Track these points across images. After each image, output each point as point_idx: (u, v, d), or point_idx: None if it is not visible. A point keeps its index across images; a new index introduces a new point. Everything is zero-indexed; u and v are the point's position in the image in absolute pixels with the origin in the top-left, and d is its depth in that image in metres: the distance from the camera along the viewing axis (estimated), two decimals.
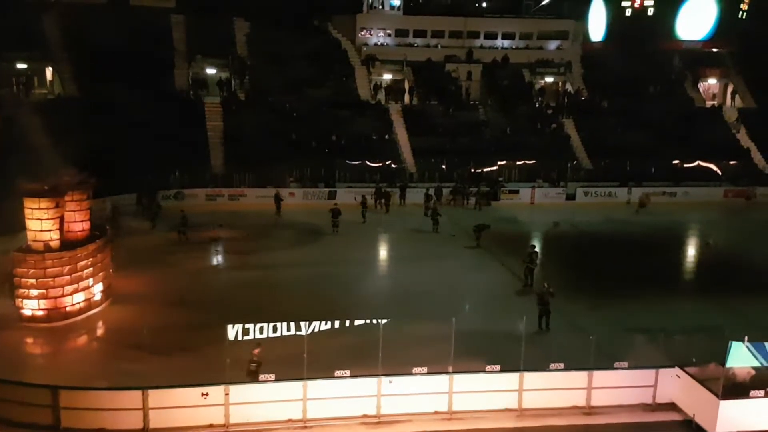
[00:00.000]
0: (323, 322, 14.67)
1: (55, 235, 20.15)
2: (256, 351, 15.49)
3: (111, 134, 33.53)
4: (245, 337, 14.26)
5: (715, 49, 52.94)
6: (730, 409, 14.31)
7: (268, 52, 45.45)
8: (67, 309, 20.17)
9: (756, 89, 50.01)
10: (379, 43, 50.71)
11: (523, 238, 31.02)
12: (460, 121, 44.81)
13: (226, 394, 14.59)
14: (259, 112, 41.48)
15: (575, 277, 25.80)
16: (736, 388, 14.52)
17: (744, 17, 52.76)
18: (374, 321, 15.06)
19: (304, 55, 45.59)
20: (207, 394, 14.54)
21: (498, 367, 15.49)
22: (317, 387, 14.85)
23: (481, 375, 15.42)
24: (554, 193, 40.45)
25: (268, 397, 14.77)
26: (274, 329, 14.37)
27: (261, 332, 14.29)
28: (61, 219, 20.41)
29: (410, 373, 15.24)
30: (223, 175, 38.05)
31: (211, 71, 45.02)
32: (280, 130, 40.31)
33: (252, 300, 21.77)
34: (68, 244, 20.52)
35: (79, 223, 21.31)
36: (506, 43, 52.33)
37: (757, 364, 14.52)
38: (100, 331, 20.09)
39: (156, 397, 14.46)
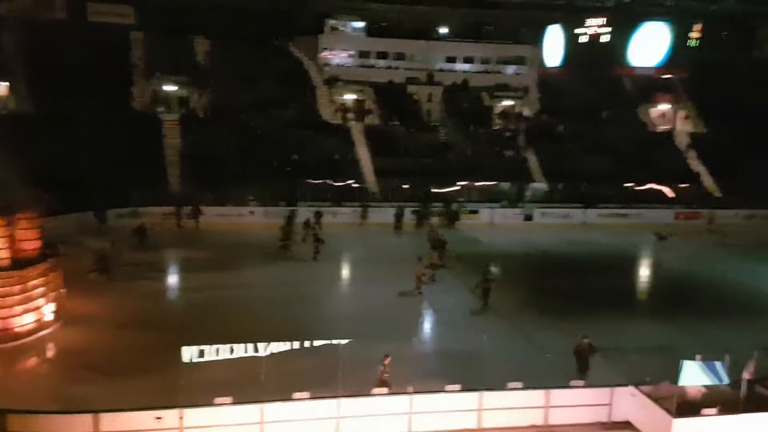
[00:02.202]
0: (282, 343, 14.47)
1: (5, 254, 19.53)
2: (387, 361, 15.77)
3: (67, 151, 32.79)
4: (201, 359, 13.96)
5: (667, 76, 54.86)
6: (683, 427, 14.58)
7: (228, 71, 45.25)
8: (17, 330, 19.49)
9: (706, 115, 51.93)
10: (341, 64, 51.02)
11: (483, 258, 31.26)
12: (421, 142, 45.29)
13: (180, 418, 14.24)
14: (219, 130, 41.14)
15: (533, 296, 26.16)
16: (688, 407, 14.85)
17: (694, 45, 54.88)
18: (335, 341, 14.95)
19: (266, 74, 45.53)
20: (161, 418, 14.17)
21: (458, 387, 15.54)
22: (275, 410, 14.62)
23: (442, 395, 15.43)
24: (513, 214, 41.08)
25: (224, 421, 14.47)
26: (231, 351, 14.08)
27: (217, 354, 14.00)
28: (12, 238, 19.81)
29: (370, 394, 15.14)
30: (181, 194, 37.52)
31: (170, 88, 44.58)
32: (240, 148, 40.05)
33: (209, 321, 21.37)
34: (19, 262, 19.88)
35: (30, 242, 20.67)
36: (466, 66, 53.27)
37: (708, 382, 14.89)
38: (51, 353, 19.41)
39: (108, 420, 14.04)
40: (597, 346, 17.32)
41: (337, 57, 51.41)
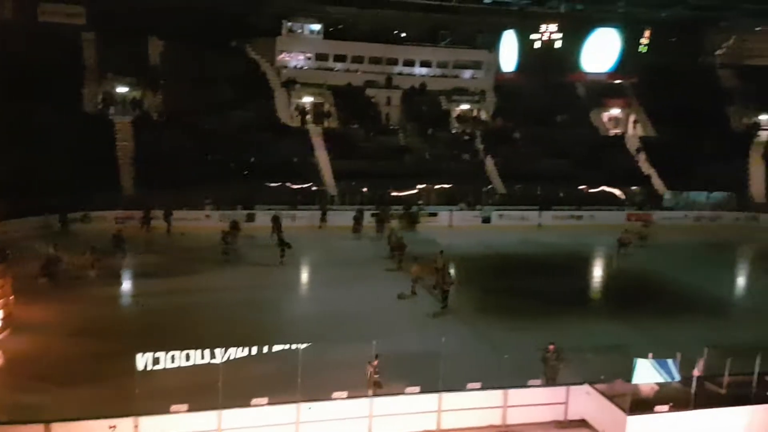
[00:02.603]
0: (240, 349, 14.27)
1: None
2: (375, 362, 15.81)
3: (17, 154, 31.73)
4: (156, 366, 13.66)
5: (618, 81, 56.33)
6: (637, 424, 14.92)
7: (183, 72, 44.55)
8: None
9: (655, 119, 53.49)
10: (299, 67, 50.75)
11: (442, 259, 31.47)
12: (380, 145, 45.40)
13: (135, 426, 13.90)
14: (173, 133, 40.42)
15: (491, 297, 26.48)
16: (642, 404, 15.21)
17: (644, 51, 56.50)
18: (293, 346, 14.81)
19: (222, 76, 44.96)
20: (115, 427, 13.80)
21: (418, 389, 15.59)
22: (233, 416, 14.40)
23: (401, 397, 15.46)
24: (471, 216, 41.53)
25: (181, 429, 14.18)
26: (187, 357, 13.80)
27: (173, 361, 13.72)
28: None
29: (330, 399, 15.06)
30: (134, 197, 36.69)
31: (122, 90, 43.58)
32: (196, 151, 39.47)
33: (165, 327, 20.94)
34: None
35: None
36: (424, 70, 53.65)
37: (660, 380, 15.29)
38: None
39: (60, 430, 13.61)
40: (562, 352, 17.50)
41: (295, 59, 51.15)
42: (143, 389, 13.73)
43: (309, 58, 51.28)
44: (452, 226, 40.54)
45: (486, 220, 41.51)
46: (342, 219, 37.11)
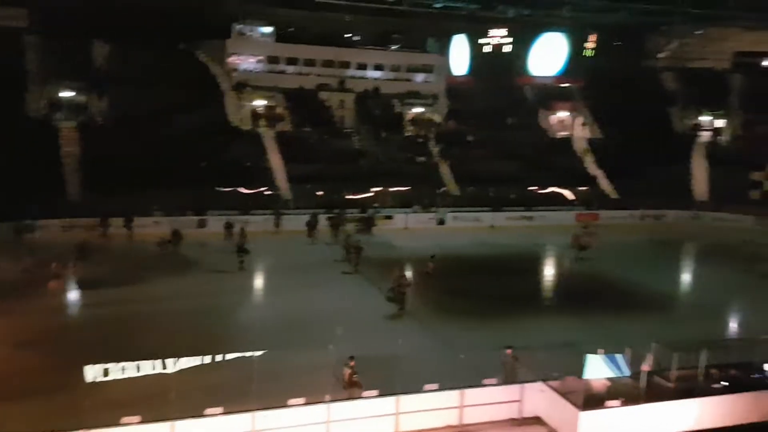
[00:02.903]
0: (192, 358, 13.97)
1: None
2: (352, 363, 16.00)
3: None
4: (106, 378, 13.25)
5: (565, 84, 57.66)
6: (589, 420, 15.23)
7: (130, 76, 43.48)
8: None
9: (601, 121, 54.94)
10: (249, 70, 50.19)
11: (398, 262, 31.58)
12: (334, 149, 45.28)
13: None
14: (120, 138, 39.35)
15: (447, 298, 26.69)
16: (594, 399, 15.54)
17: (590, 55, 58.00)
18: (248, 354, 14.59)
19: (171, 79, 44.03)
20: None
21: (376, 392, 15.56)
22: (186, 427, 14.07)
23: (359, 401, 15.40)
24: (426, 219, 41.82)
25: None
26: (138, 368, 13.45)
27: (123, 372, 13.34)
28: None
29: (286, 405, 14.89)
30: (81, 204, 35.60)
31: (67, 94, 42.25)
32: (144, 156, 38.48)
33: (115, 338, 20.33)
34: None
35: None
36: (377, 74, 53.81)
37: (611, 375, 15.66)
38: None
39: None
40: (517, 356, 17.65)
41: (245, 62, 50.60)
42: (93, 401, 13.32)
43: (260, 61, 50.83)
44: (408, 229, 40.74)
45: (441, 221, 41.86)
46: (297, 223, 36.83)
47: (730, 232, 41.61)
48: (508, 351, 17.30)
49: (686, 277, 33.43)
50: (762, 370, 17.01)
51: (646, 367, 16.39)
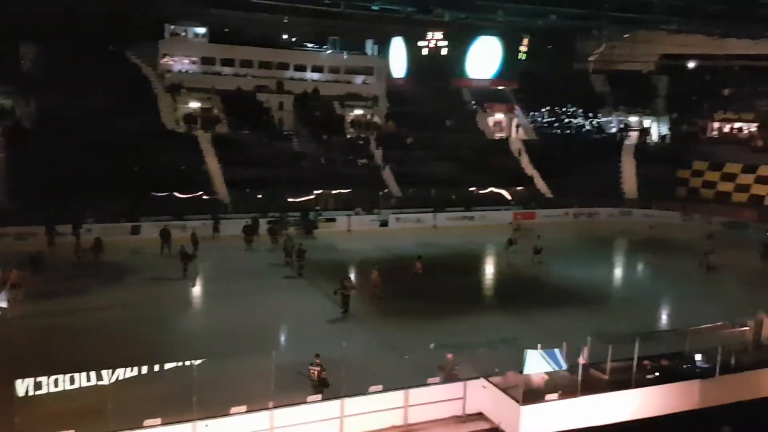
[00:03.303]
0: (129, 369, 13.51)
1: None
2: (318, 360, 16.42)
3: None
4: (38, 392, 12.66)
5: (500, 87, 58.91)
6: (530, 413, 15.57)
7: (58, 79, 41.77)
8: None
9: (536, 122, 56.40)
10: (184, 71, 49.10)
11: (341, 265, 31.56)
12: (274, 152, 44.78)
13: None
14: (50, 143, 37.66)
15: (390, 299, 26.77)
16: (533, 393, 15.91)
17: (523, 59, 59.46)
18: (188, 362, 14.23)
19: (101, 81, 42.50)
20: None
21: (320, 397, 15.47)
22: None
23: (303, 406, 15.26)
24: (369, 221, 41.87)
25: None
26: (72, 381, 12.88)
27: (56, 385, 12.77)
28: None
29: (228, 414, 14.61)
30: (7, 212, 33.96)
31: None
32: (75, 161, 36.96)
33: (47, 350, 19.51)
34: None
35: None
36: (316, 75, 53.57)
37: (550, 369, 16.07)
38: None
39: None
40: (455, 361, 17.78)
41: (179, 64, 49.51)
42: (24, 417, 12.71)
43: (194, 62, 49.81)
44: (351, 231, 40.69)
45: (383, 223, 42.01)
46: (236, 228, 36.12)
47: (659, 228, 43.38)
48: (449, 356, 17.28)
49: (618, 272, 34.63)
50: (692, 360, 17.78)
51: (582, 360, 16.89)
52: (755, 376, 18.03)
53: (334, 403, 15.41)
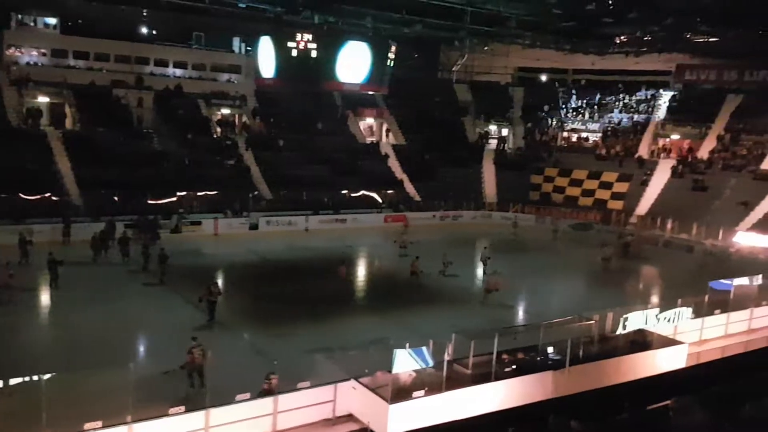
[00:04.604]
0: None
1: None
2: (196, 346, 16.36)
3: None
4: None
5: (370, 92, 59.90)
6: (398, 411, 15.89)
7: None
8: None
9: (404, 128, 57.95)
10: (32, 63, 45.22)
11: (207, 270, 30.43)
12: (133, 151, 42.34)
13: None
14: None
15: (259, 304, 26.28)
16: (401, 392, 16.26)
17: (392, 65, 60.84)
18: (35, 377, 13.05)
19: None
20: None
21: (182, 408, 14.78)
22: None
23: (165, 419, 14.52)
24: (238, 224, 40.74)
25: None
26: None
27: None
28: None
29: (82, 431, 13.57)
30: None
31: None
32: None
33: None
34: None
35: None
36: (179, 72, 51.44)
37: (417, 367, 16.50)
38: None
39: None
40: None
41: (27, 55, 45.59)
42: None
43: (44, 54, 46.04)
44: (218, 235, 39.38)
45: (253, 226, 41.05)
46: (90, 232, 33.62)
47: (514, 229, 46.10)
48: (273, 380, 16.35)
49: (479, 272, 36.33)
50: (545, 353, 19.03)
51: (447, 356, 17.52)
52: (600, 366, 19.66)
53: (199, 414, 14.81)
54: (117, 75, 47.95)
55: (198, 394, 16.19)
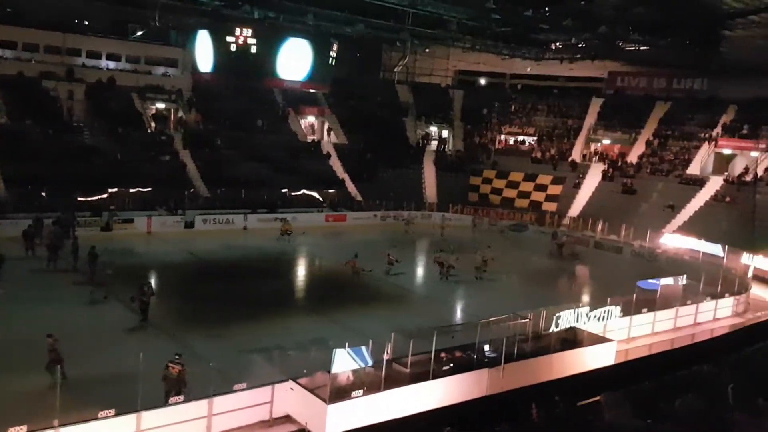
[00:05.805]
0: None
1: None
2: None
3: None
4: None
5: (312, 90, 59.51)
6: (336, 412, 15.82)
7: None
8: None
9: (346, 127, 57.81)
10: None
11: (140, 270, 29.48)
12: (62, 145, 40.64)
13: None
14: None
15: (193, 305, 25.69)
16: (340, 392, 16.21)
17: (333, 64, 60.69)
18: None
19: None
20: None
21: (113, 411, 14.26)
22: None
23: (94, 423, 13.99)
24: (172, 222, 39.62)
25: None
26: None
27: None
28: None
29: None
30: None
31: None
32: None
33: None
34: None
35: None
36: (111, 64, 49.77)
37: (356, 366, 16.49)
38: None
39: None
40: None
41: None
42: None
43: None
44: (151, 233, 38.24)
45: (189, 225, 40.04)
46: (15, 229, 32.06)
47: (454, 231, 46.74)
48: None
49: (419, 271, 36.63)
50: (481, 351, 19.36)
51: (386, 355, 17.58)
52: (534, 363, 20.16)
53: (130, 418, 14.35)
54: (47, 66, 45.97)
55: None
